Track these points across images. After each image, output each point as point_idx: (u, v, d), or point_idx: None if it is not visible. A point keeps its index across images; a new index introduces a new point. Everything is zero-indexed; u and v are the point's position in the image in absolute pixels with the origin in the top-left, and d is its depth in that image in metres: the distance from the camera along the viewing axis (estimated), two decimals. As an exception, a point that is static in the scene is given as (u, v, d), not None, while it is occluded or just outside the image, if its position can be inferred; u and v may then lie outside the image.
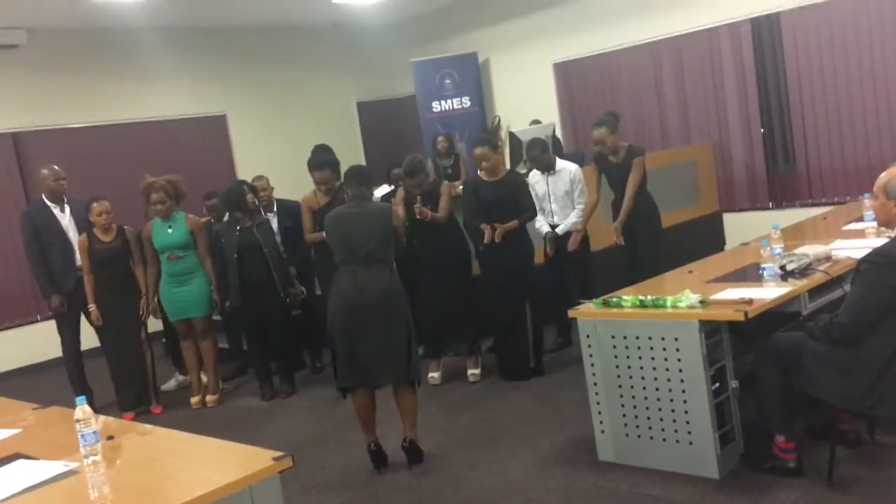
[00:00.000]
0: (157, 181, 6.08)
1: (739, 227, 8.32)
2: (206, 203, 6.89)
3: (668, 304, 3.78)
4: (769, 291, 3.81)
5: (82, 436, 2.61)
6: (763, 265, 4.06)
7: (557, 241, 6.02)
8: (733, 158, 8.82)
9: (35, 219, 6.38)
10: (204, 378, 6.39)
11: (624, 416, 3.98)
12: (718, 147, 8.87)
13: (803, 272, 3.98)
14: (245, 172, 8.60)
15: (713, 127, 8.89)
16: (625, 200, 5.86)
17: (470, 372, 5.86)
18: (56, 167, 6.43)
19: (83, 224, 6.20)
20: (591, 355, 4.06)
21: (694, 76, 8.92)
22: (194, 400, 6.28)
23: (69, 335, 6.43)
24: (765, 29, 8.47)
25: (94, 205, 6.01)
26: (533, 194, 6.14)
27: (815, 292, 3.89)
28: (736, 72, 8.62)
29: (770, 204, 8.64)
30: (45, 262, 6.29)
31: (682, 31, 8.86)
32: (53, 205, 6.38)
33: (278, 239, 6.40)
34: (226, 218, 6.32)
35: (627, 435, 3.98)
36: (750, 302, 3.62)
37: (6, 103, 8.49)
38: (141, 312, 6.14)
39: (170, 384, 6.90)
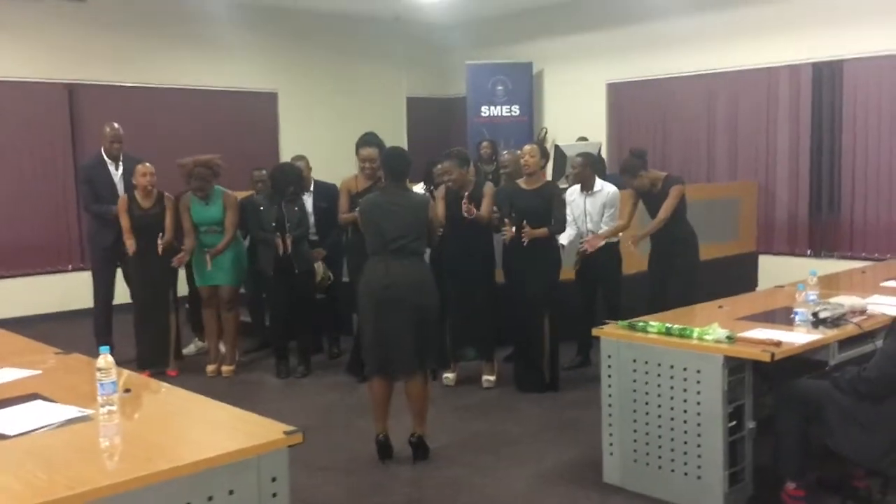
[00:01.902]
0: (196, 168, 6.10)
1: (774, 270, 8.22)
2: (254, 174, 6.95)
3: (695, 335, 3.74)
4: (799, 336, 3.76)
5: (101, 385, 2.65)
6: (796, 309, 4.01)
7: (590, 258, 5.99)
8: (777, 201, 8.73)
9: (91, 172, 6.57)
10: (222, 348, 6.45)
11: (635, 441, 3.94)
12: (763, 187, 8.79)
13: (836, 322, 3.92)
14: (288, 150, 8.68)
15: (760, 167, 8.82)
16: (653, 221, 5.80)
17: (485, 378, 5.85)
18: (116, 126, 6.56)
19: (130, 183, 6.29)
20: (609, 376, 4.03)
21: (747, 114, 8.86)
22: (210, 368, 6.34)
23: (102, 286, 6.57)
24: (826, 75, 8.37)
25: (139, 166, 6.10)
26: (569, 213, 6.12)
27: (845, 343, 3.83)
28: (791, 114, 8.54)
29: (809, 251, 8.56)
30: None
31: (742, 67, 8.79)
32: (110, 161, 6.52)
33: (311, 220, 6.44)
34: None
35: (636, 461, 3.95)
36: (778, 344, 3.57)
37: (66, 55, 8.65)
38: (175, 265, 6.17)
39: (189, 349, 6.96)
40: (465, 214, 5.38)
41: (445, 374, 5.88)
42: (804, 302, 4.06)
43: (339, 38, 10.61)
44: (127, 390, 2.92)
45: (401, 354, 4.32)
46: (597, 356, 4.36)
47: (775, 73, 8.60)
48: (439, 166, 5.80)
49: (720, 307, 4.54)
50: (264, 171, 6.92)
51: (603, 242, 5.92)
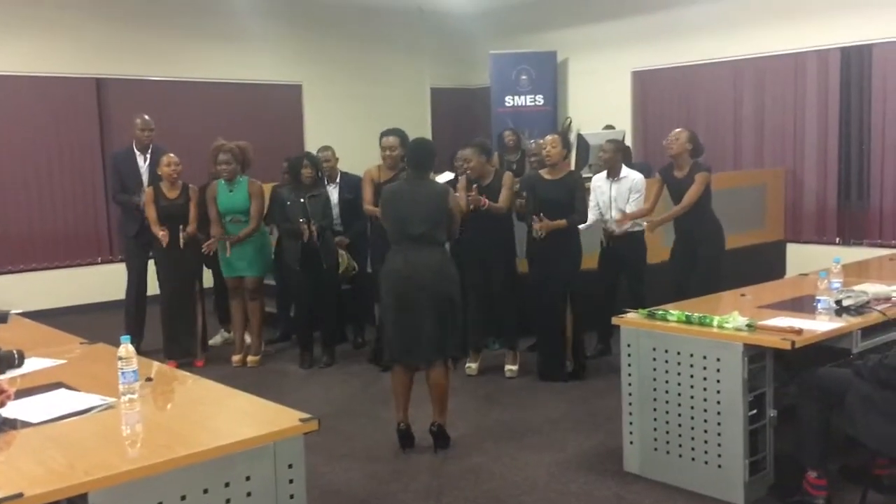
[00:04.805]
0: (227, 144, 6.22)
1: (803, 258, 8.11)
2: (284, 164, 7.01)
3: (715, 323, 3.72)
4: (821, 324, 3.73)
5: (122, 374, 2.71)
6: (818, 297, 3.97)
7: (615, 246, 5.98)
8: (805, 188, 8.62)
9: (118, 162, 6.71)
10: (248, 338, 6.52)
11: (655, 430, 3.94)
12: (791, 174, 8.69)
13: (859, 309, 3.88)
14: (314, 143, 8.72)
15: (788, 153, 8.70)
16: (676, 207, 5.76)
17: (507, 367, 5.86)
18: (147, 117, 6.70)
19: (156, 174, 6.38)
20: (629, 364, 4.02)
21: (774, 100, 8.74)
22: (236, 358, 6.41)
23: (133, 276, 6.69)
24: (854, 60, 8.24)
25: (164, 157, 6.18)
26: (593, 199, 6.11)
27: (868, 331, 3.79)
28: (819, 100, 8.41)
29: (837, 239, 8.44)
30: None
31: (768, 53, 8.68)
32: (139, 153, 6.62)
33: (336, 211, 6.49)
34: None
35: (656, 449, 3.94)
36: (799, 332, 3.54)
37: (93, 49, 8.77)
38: (205, 251, 6.21)
39: (215, 340, 7.06)
40: (471, 205, 5.35)
41: (468, 364, 5.90)
42: (827, 289, 4.02)
43: (362, 29, 10.63)
44: (148, 379, 2.98)
45: (421, 343, 4.34)
46: (618, 344, 4.35)
47: (802, 58, 8.47)
48: (459, 153, 5.79)
49: (742, 295, 4.51)
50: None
51: (629, 223, 5.88)
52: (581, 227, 5.83)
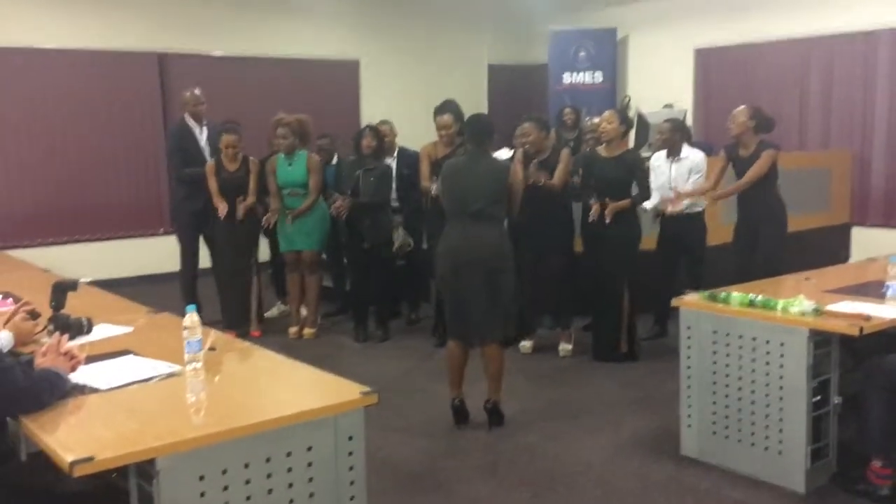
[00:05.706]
0: (287, 118, 6.27)
1: (868, 242, 7.91)
2: (318, 142, 7.06)
3: (779, 307, 3.64)
4: (890, 310, 3.62)
5: (188, 343, 2.75)
6: (888, 283, 3.86)
7: (674, 227, 5.88)
8: (873, 171, 8.38)
9: (181, 140, 6.79)
10: (304, 311, 6.60)
11: (714, 413, 3.88)
12: (858, 157, 8.43)
13: (931, 296, 3.76)
14: (370, 119, 8.71)
15: (856, 135, 8.45)
16: (739, 181, 5.61)
17: (561, 346, 5.83)
18: (197, 92, 6.78)
19: (215, 148, 6.47)
20: (688, 347, 3.96)
21: (842, 80, 8.49)
22: (292, 330, 6.50)
23: (188, 250, 6.81)
24: (930, 38, 7.94)
25: (224, 136, 6.25)
26: (654, 179, 6.01)
27: (940, 319, 3.66)
28: (890, 81, 8.13)
29: (906, 223, 8.19)
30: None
31: (837, 32, 8.41)
32: (195, 125, 6.72)
33: (394, 185, 6.51)
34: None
35: (715, 433, 3.89)
36: (867, 318, 3.44)
37: (156, 24, 8.90)
38: (264, 224, 6.34)
39: (272, 312, 7.17)
40: (530, 180, 5.31)
41: (522, 343, 5.89)
42: (897, 275, 3.89)
43: (421, 5, 10.58)
44: (212, 348, 3.02)
45: (476, 319, 4.34)
46: (674, 327, 4.29)
47: (874, 37, 8.19)
48: (518, 128, 5.73)
49: (807, 279, 4.40)
50: (328, 139, 7.02)
51: (686, 202, 5.77)
52: (647, 206, 5.75)
